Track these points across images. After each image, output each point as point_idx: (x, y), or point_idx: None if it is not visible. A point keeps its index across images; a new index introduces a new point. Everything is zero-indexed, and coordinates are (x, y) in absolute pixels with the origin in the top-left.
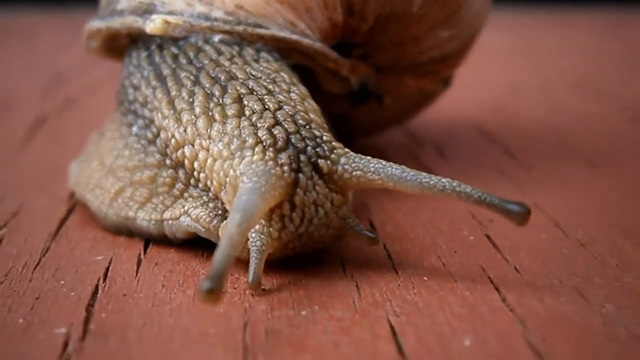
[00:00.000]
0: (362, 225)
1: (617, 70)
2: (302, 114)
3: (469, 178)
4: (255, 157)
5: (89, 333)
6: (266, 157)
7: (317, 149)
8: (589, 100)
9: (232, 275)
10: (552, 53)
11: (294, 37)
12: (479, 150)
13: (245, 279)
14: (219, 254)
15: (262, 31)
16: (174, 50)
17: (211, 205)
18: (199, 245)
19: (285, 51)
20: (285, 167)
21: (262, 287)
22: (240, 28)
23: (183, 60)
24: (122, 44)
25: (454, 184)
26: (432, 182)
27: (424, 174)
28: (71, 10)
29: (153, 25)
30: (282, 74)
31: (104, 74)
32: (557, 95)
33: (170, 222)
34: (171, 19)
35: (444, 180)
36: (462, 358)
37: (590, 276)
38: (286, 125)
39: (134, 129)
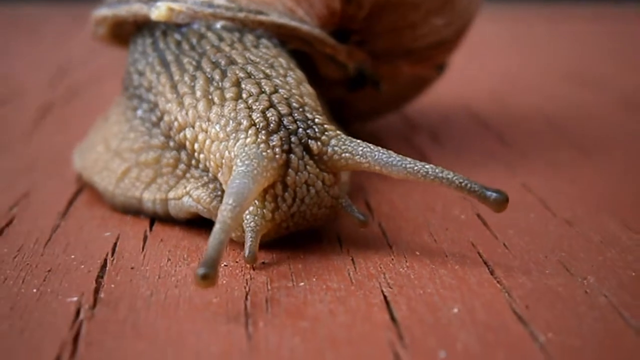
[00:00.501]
0: (358, 205)
1: (610, 61)
2: (297, 97)
3: (461, 162)
4: (248, 139)
5: (99, 302)
6: (258, 140)
7: (308, 131)
8: (582, 90)
9: (233, 250)
10: (546, 44)
11: (293, 23)
12: (473, 136)
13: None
14: (213, 240)
15: (262, 17)
16: (177, 37)
17: (211, 186)
18: (202, 223)
19: (285, 37)
20: (277, 149)
21: (263, 261)
22: (241, 15)
23: (186, 47)
24: (127, 31)
25: (437, 170)
26: (416, 168)
27: (409, 159)
28: (74, 1)
29: (158, 12)
30: (280, 59)
31: (107, 64)
32: (551, 85)
33: (173, 202)
34: (175, 5)
35: (427, 166)
36: (451, 324)
37: (575, 251)
38: (280, 108)
39: (139, 112)
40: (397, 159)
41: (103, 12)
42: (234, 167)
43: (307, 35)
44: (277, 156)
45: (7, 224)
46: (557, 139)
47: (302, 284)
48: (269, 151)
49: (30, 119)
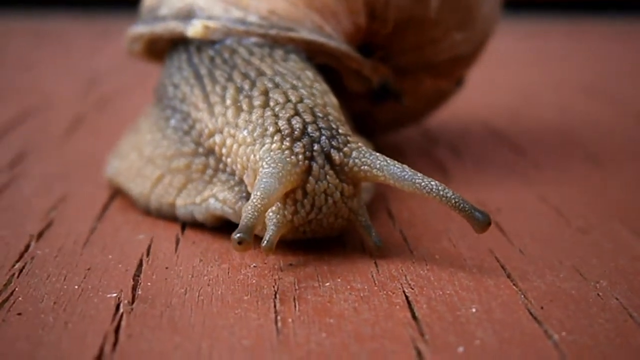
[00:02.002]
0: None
1: (627, 76)
2: (321, 107)
3: (480, 174)
4: (273, 145)
5: (137, 298)
6: (283, 146)
7: (332, 140)
8: (597, 104)
9: (262, 252)
10: (563, 59)
11: (322, 39)
12: (491, 149)
13: (275, 256)
14: (246, 213)
15: (293, 34)
16: (211, 52)
17: (237, 189)
18: (232, 226)
19: (313, 52)
20: (300, 156)
21: (290, 263)
22: (273, 31)
23: (218, 61)
24: (162, 47)
25: (439, 188)
26: (423, 184)
27: (420, 175)
28: (100, 15)
29: (194, 29)
30: (307, 72)
31: (134, 76)
32: (567, 99)
33: (201, 205)
34: (210, 23)
35: (432, 182)
36: (469, 322)
37: (588, 258)
38: (304, 116)
39: (172, 122)
40: (409, 174)
41: (139, 29)
42: (260, 170)
43: (334, 50)
44: (300, 162)
45: (46, 226)
46: (571, 151)
47: (327, 284)
48: (292, 157)
49: (63, 128)
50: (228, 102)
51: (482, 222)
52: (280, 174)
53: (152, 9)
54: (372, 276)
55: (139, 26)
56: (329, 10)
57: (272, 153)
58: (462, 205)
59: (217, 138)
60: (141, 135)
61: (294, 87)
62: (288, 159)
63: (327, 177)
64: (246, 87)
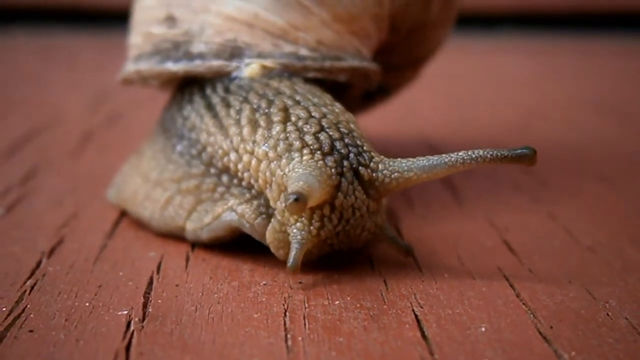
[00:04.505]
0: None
1: (637, 94)
2: (345, 123)
3: (489, 192)
4: (305, 157)
5: (148, 315)
6: (315, 158)
7: (359, 157)
8: (607, 122)
9: (271, 269)
10: (573, 77)
11: (365, 64)
12: (499, 167)
13: (284, 273)
14: (297, 178)
15: (343, 64)
16: (227, 82)
17: (255, 202)
18: (241, 244)
19: (351, 76)
20: (333, 170)
21: (300, 281)
22: (327, 64)
23: (234, 88)
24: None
25: (469, 153)
26: (453, 159)
27: (445, 155)
28: (108, 30)
29: (251, 70)
30: (325, 93)
31: (143, 91)
32: (576, 116)
33: (211, 224)
34: (268, 63)
35: (460, 153)
36: (479, 341)
37: (597, 277)
38: (330, 132)
39: (178, 147)
40: (436, 159)
41: (171, 68)
42: (291, 174)
43: (371, 71)
44: (333, 176)
45: (58, 242)
46: (580, 169)
47: (337, 302)
48: (327, 169)
49: (73, 144)
50: (243, 121)
51: (529, 155)
52: (319, 178)
53: (179, 44)
54: (382, 295)
55: (167, 64)
56: (364, 33)
57: (304, 163)
58: (501, 154)
59: (232, 156)
60: (145, 161)
61: (315, 105)
62: (324, 169)
63: (355, 192)
64: (263, 105)
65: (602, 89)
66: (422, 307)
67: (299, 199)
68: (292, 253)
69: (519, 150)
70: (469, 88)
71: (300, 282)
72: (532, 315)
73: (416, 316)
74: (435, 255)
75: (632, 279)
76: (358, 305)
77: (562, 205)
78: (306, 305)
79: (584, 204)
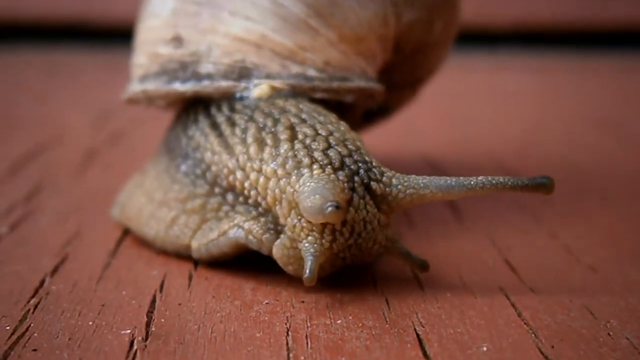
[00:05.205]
0: None
1: (638, 111)
2: (352, 140)
3: (491, 210)
4: (315, 171)
5: (151, 335)
6: (327, 172)
7: (369, 173)
8: (608, 139)
9: (274, 289)
10: (574, 94)
11: (371, 84)
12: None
13: (287, 292)
14: (312, 191)
15: (350, 84)
16: (232, 102)
17: (262, 219)
18: (243, 263)
19: (358, 97)
20: (345, 184)
21: (302, 300)
22: (335, 85)
23: (239, 107)
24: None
25: (490, 179)
26: (473, 183)
27: (462, 178)
28: (112, 47)
29: (260, 91)
30: (330, 112)
31: (145, 111)
32: (578, 134)
33: (217, 239)
34: (277, 83)
35: (480, 178)
36: None
37: (598, 296)
38: (339, 149)
39: (183, 167)
40: (454, 180)
41: (179, 88)
42: (302, 189)
43: (376, 92)
44: (345, 190)
45: (61, 261)
46: (581, 187)
47: (339, 321)
48: (339, 182)
49: (77, 161)
50: (249, 140)
51: (548, 185)
52: (333, 191)
53: (186, 65)
54: (384, 314)
55: (175, 84)
56: (370, 54)
57: (315, 177)
58: (521, 182)
59: (239, 174)
60: (149, 181)
61: (321, 123)
62: (337, 182)
63: (367, 206)
64: (269, 124)
65: (603, 106)
66: (423, 327)
67: (339, 207)
68: (308, 264)
69: (539, 180)
70: (469, 106)
71: (303, 301)
72: (533, 335)
73: (418, 335)
74: (437, 275)
75: (633, 299)
76: (360, 324)
77: (563, 224)
78: (308, 325)
79: (584, 223)
